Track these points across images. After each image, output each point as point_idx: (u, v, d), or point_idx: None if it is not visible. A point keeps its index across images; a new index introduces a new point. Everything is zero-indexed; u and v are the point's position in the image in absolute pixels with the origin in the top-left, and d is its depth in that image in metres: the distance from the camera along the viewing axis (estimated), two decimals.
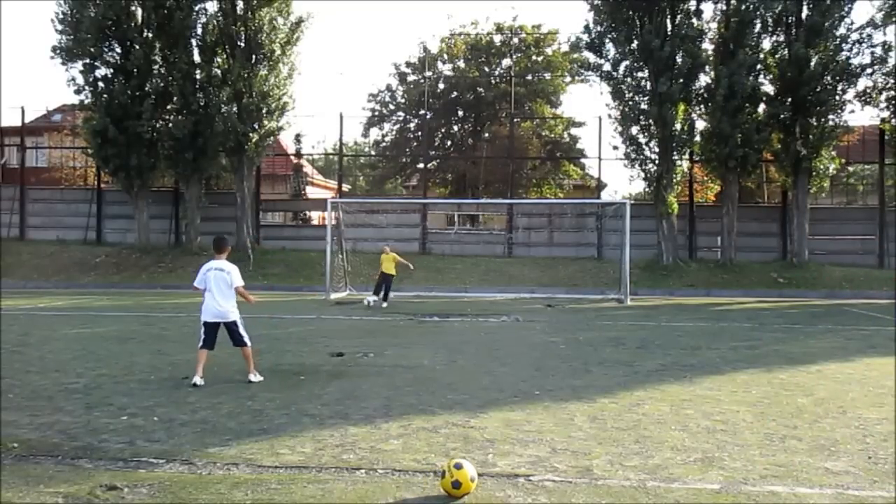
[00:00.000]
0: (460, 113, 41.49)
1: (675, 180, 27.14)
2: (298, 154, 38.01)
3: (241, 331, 7.84)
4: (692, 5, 26.41)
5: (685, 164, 28.37)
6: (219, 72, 26.89)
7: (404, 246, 29.68)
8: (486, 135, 40.30)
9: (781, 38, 26.33)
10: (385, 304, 18.07)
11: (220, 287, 7.72)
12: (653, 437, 5.62)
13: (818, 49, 25.04)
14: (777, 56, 26.23)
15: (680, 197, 28.86)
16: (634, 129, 26.85)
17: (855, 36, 25.67)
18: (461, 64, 41.41)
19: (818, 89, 25.23)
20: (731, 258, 27.02)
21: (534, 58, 40.65)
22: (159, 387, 7.46)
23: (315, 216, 34.44)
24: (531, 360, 9.59)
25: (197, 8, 27.06)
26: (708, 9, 27.46)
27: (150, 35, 26.71)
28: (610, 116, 27.82)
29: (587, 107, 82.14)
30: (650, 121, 26.17)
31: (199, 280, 7.82)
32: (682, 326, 14.11)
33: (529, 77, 39.59)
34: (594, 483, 4.52)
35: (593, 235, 29.38)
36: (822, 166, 26.21)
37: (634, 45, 26.16)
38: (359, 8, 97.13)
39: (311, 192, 36.93)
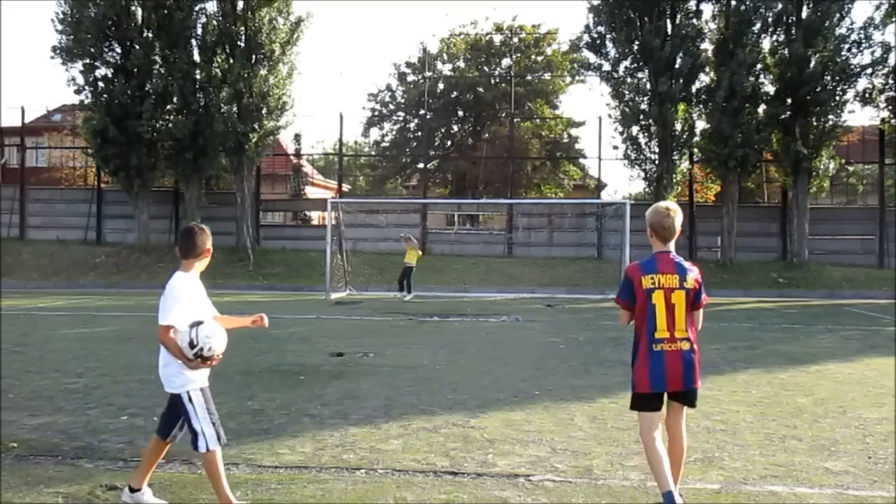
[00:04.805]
0: (460, 113, 41.46)
1: (675, 180, 27.11)
2: (298, 154, 37.99)
3: None
4: (692, 5, 26.42)
5: (685, 164, 28.34)
6: (219, 72, 26.86)
7: (404, 246, 29.67)
8: (486, 135, 40.29)
9: (781, 38, 26.33)
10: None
11: None
12: None
13: (818, 49, 25.02)
14: (777, 56, 26.23)
15: (680, 197, 28.83)
16: (634, 129, 26.82)
17: (855, 36, 25.68)
18: (461, 64, 41.38)
19: (818, 89, 25.20)
20: (731, 258, 26.99)
21: (533, 58, 40.65)
22: (159, 387, 7.41)
23: (315, 216, 34.42)
24: (531, 360, 9.59)
25: (197, 8, 27.04)
26: (708, 9, 27.39)
27: (150, 35, 26.66)
28: (610, 116, 27.83)
29: (587, 107, 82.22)
30: (650, 121, 26.15)
31: None
32: None
33: (529, 77, 39.58)
34: (594, 483, 4.52)
35: (593, 235, 29.34)
36: (821, 166, 26.18)
37: (635, 45, 26.16)
38: (359, 8, 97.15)
39: (311, 192, 36.90)
